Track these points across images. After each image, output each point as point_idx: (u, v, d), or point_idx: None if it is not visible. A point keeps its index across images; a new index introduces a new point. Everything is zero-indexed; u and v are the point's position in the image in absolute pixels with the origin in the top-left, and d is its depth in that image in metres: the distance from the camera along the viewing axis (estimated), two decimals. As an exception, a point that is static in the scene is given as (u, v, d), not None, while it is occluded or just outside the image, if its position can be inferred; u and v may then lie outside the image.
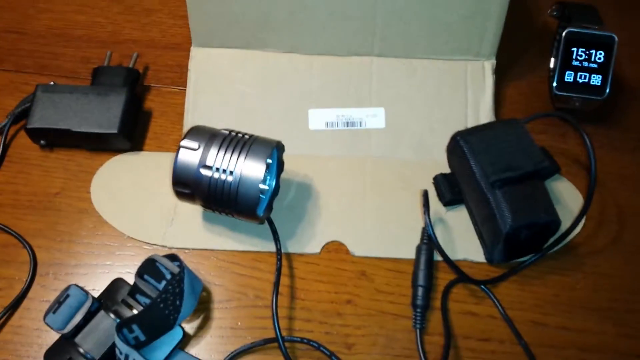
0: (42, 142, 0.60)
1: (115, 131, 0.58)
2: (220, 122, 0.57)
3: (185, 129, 0.62)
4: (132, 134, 0.62)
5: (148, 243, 0.56)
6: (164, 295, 0.48)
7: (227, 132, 0.53)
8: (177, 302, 0.49)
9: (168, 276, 0.50)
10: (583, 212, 0.54)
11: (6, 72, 0.66)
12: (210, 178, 0.51)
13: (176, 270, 0.49)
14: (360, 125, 0.63)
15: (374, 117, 0.63)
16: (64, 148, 0.61)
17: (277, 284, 0.52)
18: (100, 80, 0.63)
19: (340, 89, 0.64)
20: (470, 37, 0.63)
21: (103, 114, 0.59)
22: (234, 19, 0.62)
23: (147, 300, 0.50)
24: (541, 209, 0.52)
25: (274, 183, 0.56)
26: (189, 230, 0.57)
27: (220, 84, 0.63)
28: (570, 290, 0.55)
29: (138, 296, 0.50)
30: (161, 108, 0.65)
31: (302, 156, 0.61)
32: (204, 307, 0.53)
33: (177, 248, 0.56)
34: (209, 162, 0.51)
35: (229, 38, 0.64)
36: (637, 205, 0.60)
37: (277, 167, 0.56)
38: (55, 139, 0.61)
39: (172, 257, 0.51)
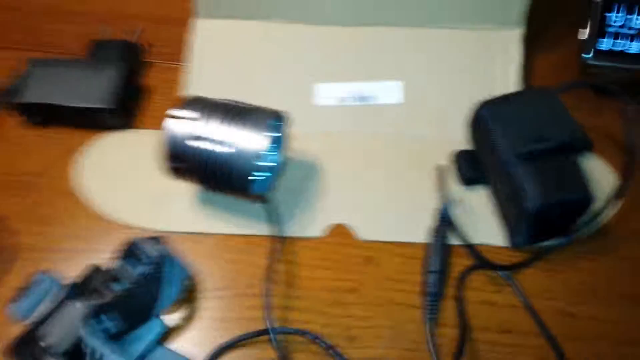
0: (32, 118, 0.57)
1: (108, 106, 0.55)
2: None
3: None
4: (128, 111, 0.58)
5: (136, 227, 0.52)
6: (140, 282, 0.43)
7: (225, 101, 0.49)
8: (155, 290, 0.44)
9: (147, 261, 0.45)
10: (622, 190, 0.48)
11: (-1, 49, 0.64)
12: (204, 150, 0.47)
13: (156, 254, 0.45)
14: (374, 101, 0.58)
15: (389, 91, 0.58)
16: (55, 126, 0.58)
17: (269, 268, 0.47)
18: (97, 54, 0.60)
19: (350, 61, 0.59)
20: (495, 2, 0.57)
21: (97, 89, 0.56)
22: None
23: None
24: (573, 185, 0.46)
25: (277, 158, 0.52)
26: (180, 213, 0.52)
27: (223, 58, 0.59)
28: (603, 277, 0.49)
29: (114, 284, 0.45)
30: (160, 84, 0.61)
31: (308, 133, 0.56)
32: (191, 297, 0.49)
33: (167, 231, 0.51)
34: (203, 133, 0.47)
35: (232, 8, 0.60)
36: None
37: (281, 142, 0.52)
38: (47, 116, 0.57)
39: (156, 240, 0.46)
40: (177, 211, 0.52)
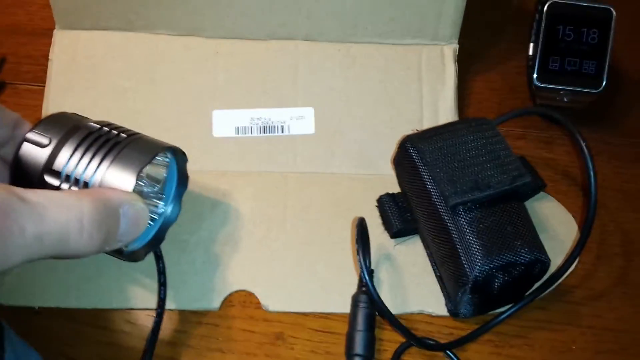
0: None
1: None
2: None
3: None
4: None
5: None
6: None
7: (97, 125, 0.36)
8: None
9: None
10: (580, 246, 0.39)
11: None
12: (58, 190, 0.34)
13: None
14: (282, 131, 0.47)
15: (300, 120, 0.47)
16: None
17: (148, 354, 0.37)
18: None
19: (254, 83, 0.48)
20: (424, 13, 0.48)
21: None
22: (110, -9, 0.47)
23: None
24: (522, 244, 0.37)
25: (165, 208, 0.40)
26: (33, 281, 0.41)
27: (93, 78, 0.47)
28: (564, 351, 0.41)
29: None
30: (15, 111, 0.48)
31: (204, 172, 0.45)
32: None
33: (14, 306, 0.40)
34: (57, 166, 0.34)
35: (103, 16, 0.48)
36: (646, 231, 0.45)
37: (176, 185, 0.40)
38: None
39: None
40: (29, 278, 0.41)
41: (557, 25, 0.47)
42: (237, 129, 0.47)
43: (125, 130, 0.37)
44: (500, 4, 0.57)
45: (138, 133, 0.37)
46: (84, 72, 0.47)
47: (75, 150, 0.34)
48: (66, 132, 0.35)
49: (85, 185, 0.34)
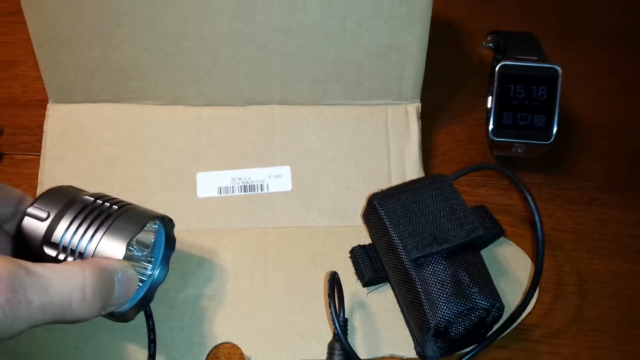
0: None
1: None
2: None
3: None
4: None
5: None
6: None
7: (91, 198, 0.40)
8: None
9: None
10: (533, 287, 0.43)
11: None
12: (55, 260, 0.38)
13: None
14: (262, 189, 0.51)
15: (278, 178, 0.51)
16: None
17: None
18: None
19: (235, 145, 0.52)
20: (387, 77, 0.52)
21: None
22: (97, 67, 0.51)
23: None
24: (478, 291, 0.41)
25: (157, 271, 0.44)
26: (32, 340, 0.44)
27: (84, 148, 0.51)
28: (525, 389, 0.44)
29: None
30: (13, 180, 0.52)
31: (190, 231, 0.49)
32: None
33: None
34: (55, 238, 0.38)
35: (93, 90, 0.52)
36: (600, 271, 0.49)
37: (164, 249, 0.44)
38: None
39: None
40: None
41: (509, 84, 0.51)
42: (220, 189, 0.51)
43: (117, 202, 0.41)
44: (461, 58, 0.61)
45: (129, 204, 0.41)
46: (76, 142, 0.51)
47: (71, 222, 0.38)
48: (63, 206, 0.39)
49: (80, 254, 0.38)
